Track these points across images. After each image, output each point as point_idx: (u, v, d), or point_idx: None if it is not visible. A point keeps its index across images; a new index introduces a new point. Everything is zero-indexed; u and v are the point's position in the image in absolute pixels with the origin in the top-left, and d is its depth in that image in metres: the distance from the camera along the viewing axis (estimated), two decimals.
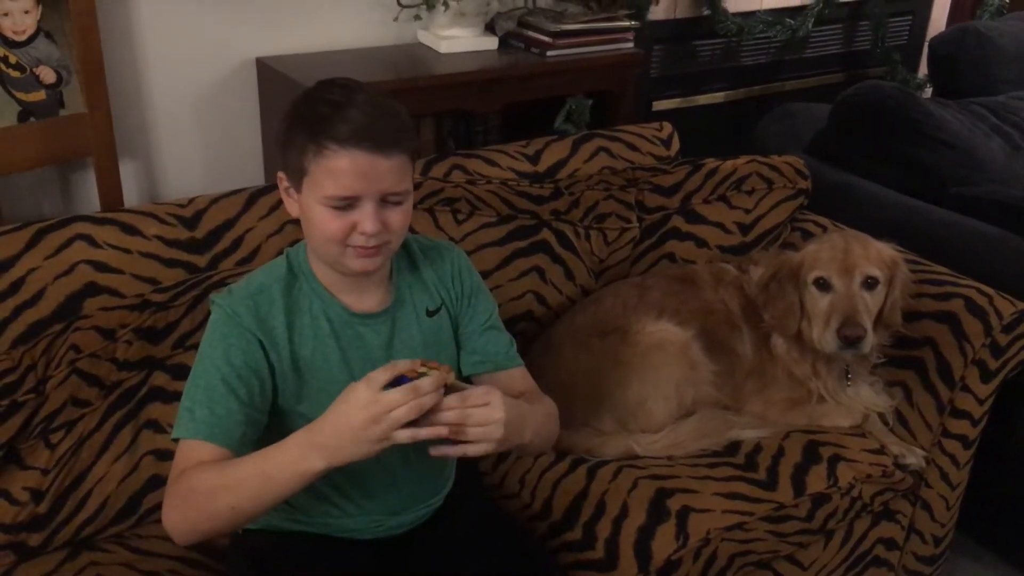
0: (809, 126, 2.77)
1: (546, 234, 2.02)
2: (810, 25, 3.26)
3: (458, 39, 2.47)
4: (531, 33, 2.51)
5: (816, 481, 1.76)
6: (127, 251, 1.63)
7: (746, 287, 1.98)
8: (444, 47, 2.45)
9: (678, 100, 3.15)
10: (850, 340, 1.79)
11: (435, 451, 1.23)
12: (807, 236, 2.21)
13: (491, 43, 2.51)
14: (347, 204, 1.26)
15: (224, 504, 1.21)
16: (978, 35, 3.13)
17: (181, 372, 1.64)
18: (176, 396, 1.60)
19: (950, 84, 3.21)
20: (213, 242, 1.71)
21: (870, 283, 1.84)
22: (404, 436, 1.15)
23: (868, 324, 1.80)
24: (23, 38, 1.94)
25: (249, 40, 2.36)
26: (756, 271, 1.99)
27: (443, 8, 2.40)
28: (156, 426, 1.64)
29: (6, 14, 1.90)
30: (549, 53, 2.46)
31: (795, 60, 3.41)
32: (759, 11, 3.18)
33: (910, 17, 3.66)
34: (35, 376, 1.53)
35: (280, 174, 1.35)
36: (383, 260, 1.35)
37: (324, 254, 1.33)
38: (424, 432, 1.16)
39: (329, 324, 1.37)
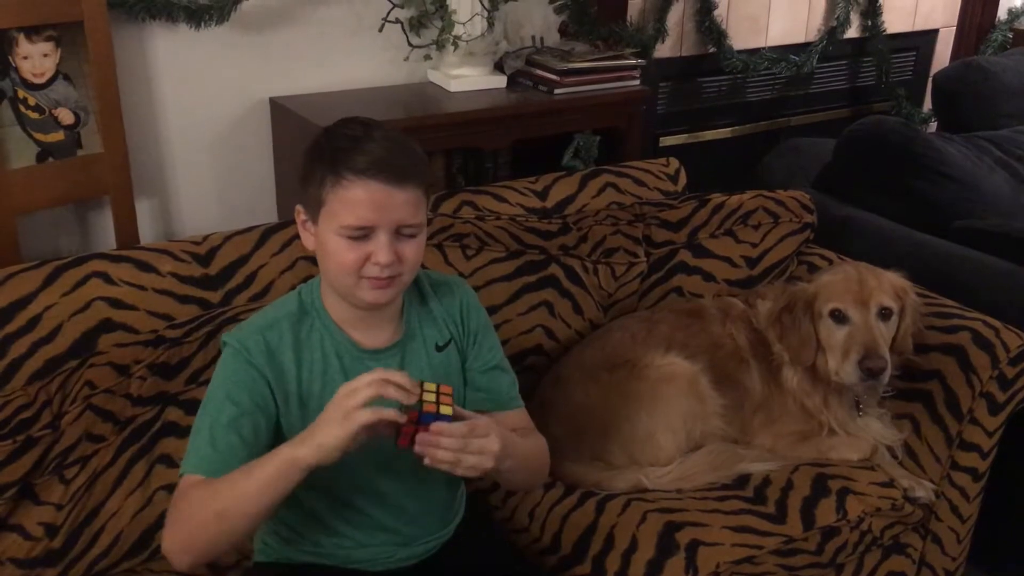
0: (814, 161, 2.79)
1: (555, 269, 2.04)
2: (814, 62, 3.29)
3: (467, 78, 2.50)
4: (539, 71, 2.55)
5: (825, 514, 1.76)
6: (142, 288, 1.65)
7: (754, 321, 1.99)
8: (454, 86, 2.49)
9: (684, 136, 3.18)
10: (873, 372, 1.80)
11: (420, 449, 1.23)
12: (813, 270, 2.22)
13: (500, 82, 2.55)
14: (362, 234, 1.29)
15: (211, 511, 1.22)
16: (981, 70, 3.16)
17: (194, 407, 1.60)
18: (189, 431, 1.63)
19: (954, 118, 3.24)
20: (226, 278, 1.73)
21: (885, 313, 1.85)
22: (366, 415, 1.16)
23: (888, 355, 1.81)
24: (42, 80, 1.98)
25: (263, 80, 2.39)
26: (763, 305, 2.00)
27: (452, 48, 2.43)
28: (169, 461, 1.65)
29: (26, 57, 1.95)
30: (557, 91, 2.49)
31: (800, 96, 3.43)
32: (763, 48, 3.21)
33: (914, 53, 3.69)
34: (50, 412, 1.54)
35: (298, 207, 1.38)
36: (395, 293, 1.37)
37: (338, 286, 1.35)
38: (388, 413, 1.18)
39: (339, 361, 1.39)
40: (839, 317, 1.87)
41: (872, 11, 3.38)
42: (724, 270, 2.22)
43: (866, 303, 1.85)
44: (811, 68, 3.29)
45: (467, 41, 2.44)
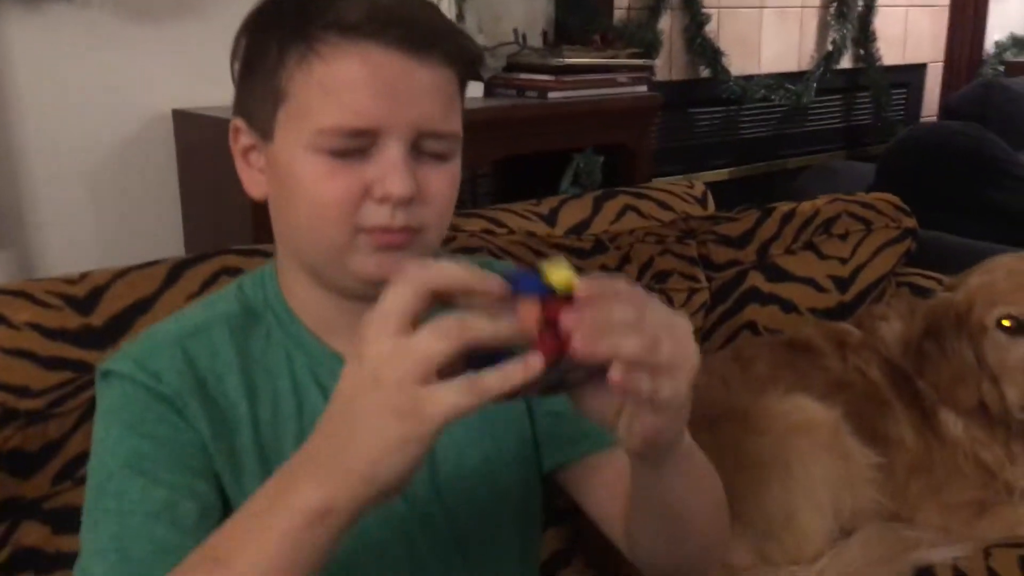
0: (854, 183, 2.37)
1: None
2: (813, 92, 2.95)
3: None
4: (525, 75, 2.04)
5: None
6: None
7: (883, 349, 1.47)
8: None
9: (680, 178, 2.72)
10: None
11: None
12: (922, 293, 1.72)
13: (474, 89, 2.04)
14: (358, 146, 0.76)
15: None
16: (1004, 90, 2.94)
17: (67, 521, 1.08)
18: (60, 561, 1.07)
19: None
20: (118, 332, 1.18)
21: None
22: (455, 395, 0.60)
23: None
24: None
25: (164, 86, 1.90)
26: (889, 328, 1.50)
27: None
28: None
29: None
30: (551, 95, 1.99)
31: (797, 134, 3.14)
32: (757, 75, 2.83)
33: (904, 91, 3.44)
34: None
35: (235, 122, 0.83)
36: (414, 259, 0.79)
37: (314, 250, 0.81)
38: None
39: (319, 388, 0.85)
40: (1015, 327, 1.36)
41: (865, 37, 3.10)
42: (808, 296, 1.71)
43: None
44: (809, 99, 2.96)
45: None
